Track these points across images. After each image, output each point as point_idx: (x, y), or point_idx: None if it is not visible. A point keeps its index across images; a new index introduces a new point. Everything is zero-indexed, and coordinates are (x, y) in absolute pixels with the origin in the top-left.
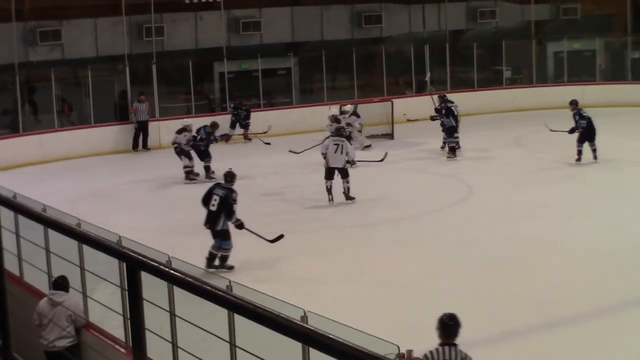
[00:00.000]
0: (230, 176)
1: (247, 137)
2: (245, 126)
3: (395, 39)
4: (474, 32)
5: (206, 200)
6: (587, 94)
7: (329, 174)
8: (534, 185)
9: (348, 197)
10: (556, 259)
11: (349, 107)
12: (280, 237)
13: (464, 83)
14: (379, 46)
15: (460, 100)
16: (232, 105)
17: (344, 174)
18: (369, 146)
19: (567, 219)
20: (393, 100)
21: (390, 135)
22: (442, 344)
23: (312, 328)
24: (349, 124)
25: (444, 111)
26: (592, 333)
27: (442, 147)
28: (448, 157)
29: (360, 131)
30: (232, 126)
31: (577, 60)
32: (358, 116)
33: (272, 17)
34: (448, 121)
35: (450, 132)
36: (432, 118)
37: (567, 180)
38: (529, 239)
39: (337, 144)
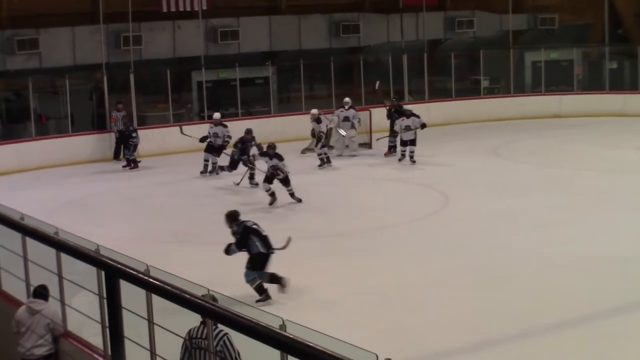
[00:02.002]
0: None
1: (129, 162)
2: (128, 147)
3: (373, 48)
4: (452, 42)
5: (245, 245)
6: (564, 103)
7: None
8: (512, 194)
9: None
10: (535, 267)
11: (347, 100)
12: (288, 241)
13: (441, 93)
14: (357, 55)
15: (438, 109)
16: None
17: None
18: (340, 155)
19: (546, 228)
20: (371, 109)
21: (368, 145)
22: (202, 322)
23: (291, 336)
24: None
25: (393, 109)
26: (572, 341)
27: (400, 159)
28: (386, 155)
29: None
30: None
31: (554, 70)
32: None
33: (250, 27)
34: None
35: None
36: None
37: (546, 189)
38: (508, 248)
39: None
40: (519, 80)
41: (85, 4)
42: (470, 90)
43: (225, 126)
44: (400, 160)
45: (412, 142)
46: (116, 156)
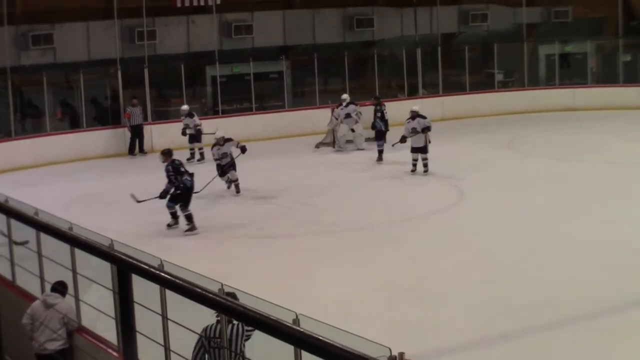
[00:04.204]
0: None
1: None
2: None
3: (387, 42)
4: (466, 35)
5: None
6: (578, 96)
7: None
8: (526, 188)
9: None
10: (549, 261)
11: (345, 96)
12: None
13: (456, 86)
14: (370, 49)
15: (453, 103)
16: None
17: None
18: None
19: (561, 221)
20: (385, 103)
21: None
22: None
23: (304, 331)
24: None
25: (379, 114)
26: (589, 335)
27: (413, 170)
28: (378, 161)
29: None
30: None
31: (568, 63)
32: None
33: (264, 21)
34: (379, 125)
35: (380, 135)
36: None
37: (560, 182)
38: (522, 241)
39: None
40: (533, 74)
41: None
42: (484, 84)
43: (193, 115)
44: (412, 171)
45: (423, 150)
46: (131, 151)
